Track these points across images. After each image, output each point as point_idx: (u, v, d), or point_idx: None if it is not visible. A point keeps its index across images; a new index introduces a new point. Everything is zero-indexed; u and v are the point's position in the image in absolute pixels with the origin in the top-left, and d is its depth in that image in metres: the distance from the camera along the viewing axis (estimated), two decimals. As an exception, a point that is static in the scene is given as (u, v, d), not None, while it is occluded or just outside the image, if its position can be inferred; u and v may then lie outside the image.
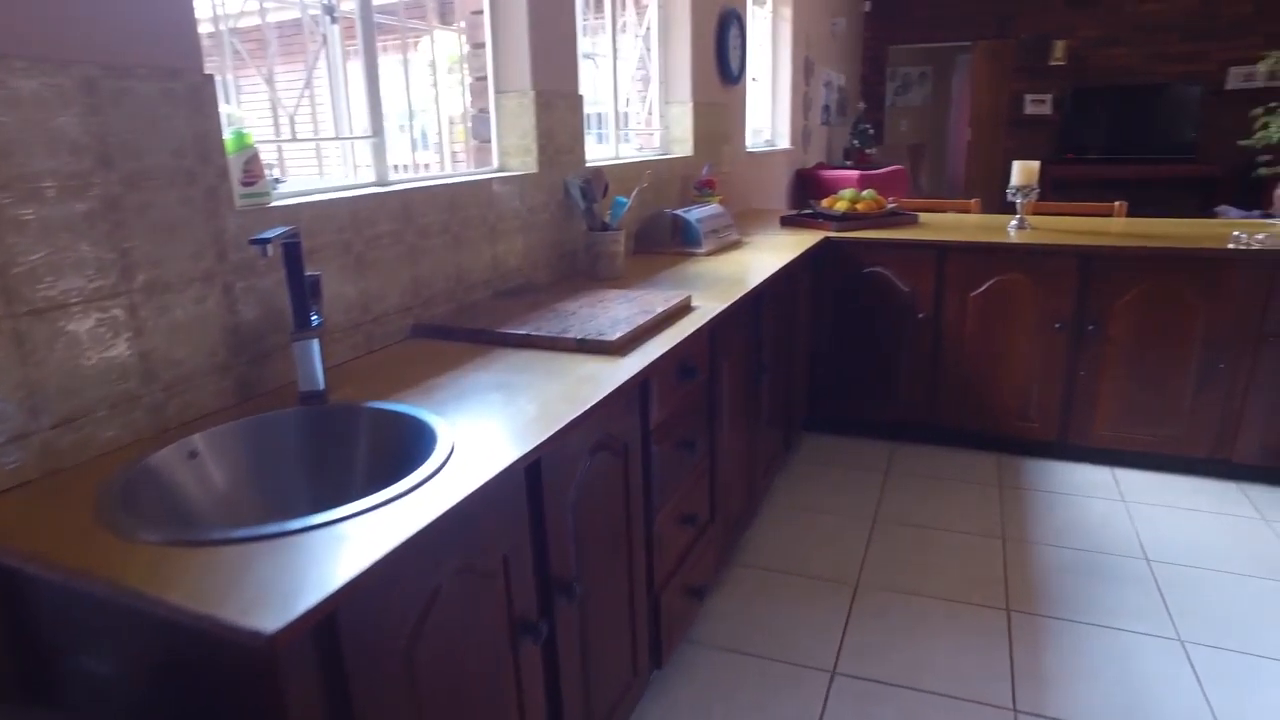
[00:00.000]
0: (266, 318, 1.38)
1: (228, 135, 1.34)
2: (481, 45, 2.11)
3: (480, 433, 1.17)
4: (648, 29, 3.27)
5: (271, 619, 0.73)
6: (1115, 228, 3.20)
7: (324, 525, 0.90)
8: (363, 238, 1.58)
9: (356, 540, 0.87)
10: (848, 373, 3.25)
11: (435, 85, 2.05)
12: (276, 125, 1.68)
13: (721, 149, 3.78)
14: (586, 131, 2.54)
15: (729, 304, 1.99)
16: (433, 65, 2.02)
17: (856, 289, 3.15)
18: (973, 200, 3.89)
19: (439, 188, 1.80)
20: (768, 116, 5.08)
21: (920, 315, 3.08)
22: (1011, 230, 3.16)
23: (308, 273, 1.28)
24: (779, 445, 2.86)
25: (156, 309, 1.19)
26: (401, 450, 1.17)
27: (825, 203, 3.55)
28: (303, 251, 1.26)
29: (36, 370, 1.04)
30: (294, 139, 1.60)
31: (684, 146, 3.45)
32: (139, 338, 1.17)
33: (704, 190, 3.33)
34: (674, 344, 1.64)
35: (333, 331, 1.52)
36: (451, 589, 1.01)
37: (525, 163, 2.19)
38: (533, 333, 1.64)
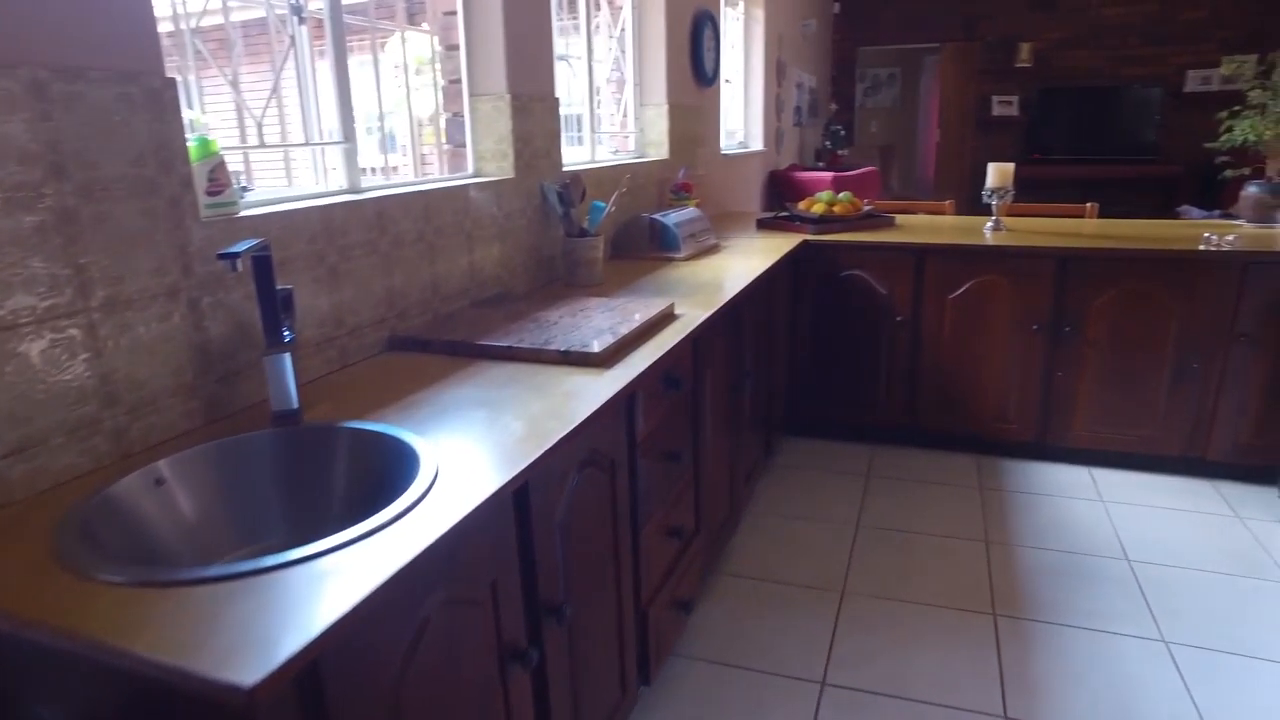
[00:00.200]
0: (236, 334, 1.31)
1: (191, 142, 1.27)
2: (455, 47, 2.05)
3: (465, 454, 1.12)
4: (622, 30, 3.23)
5: (250, 670, 0.67)
6: (1088, 229, 3.23)
7: (303, 561, 0.84)
8: (335, 248, 1.51)
9: (338, 577, 0.81)
10: (827, 376, 3.23)
11: (407, 88, 1.98)
12: (242, 131, 1.61)
13: (697, 152, 3.75)
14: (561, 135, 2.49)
15: (712, 312, 1.95)
16: (404, 67, 1.96)
17: (835, 292, 3.13)
18: (947, 202, 3.90)
19: (414, 194, 1.74)
20: (740, 118, 5.06)
21: (899, 318, 3.07)
22: (987, 232, 3.17)
23: (279, 286, 1.22)
24: (760, 451, 2.83)
25: (117, 327, 1.12)
26: (382, 473, 1.12)
27: (802, 205, 3.53)
28: (273, 264, 1.20)
29: (-15, 396, 0.97)
30: (262, 145, 1.53)
31: (659, 149, 3.41)
32: (98, 358, 1.10)
33: (681, 194, 3.29)
34: (659, 355, 1.59)
35: (305, 346, 1.45)
36: (439, 622, 0.96)
37: (501, 168, 2.13)
38: (515, 345, 1.59)
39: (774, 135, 5.46)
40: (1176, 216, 5.63)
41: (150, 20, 1.16)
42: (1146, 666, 1.93)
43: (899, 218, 3.64)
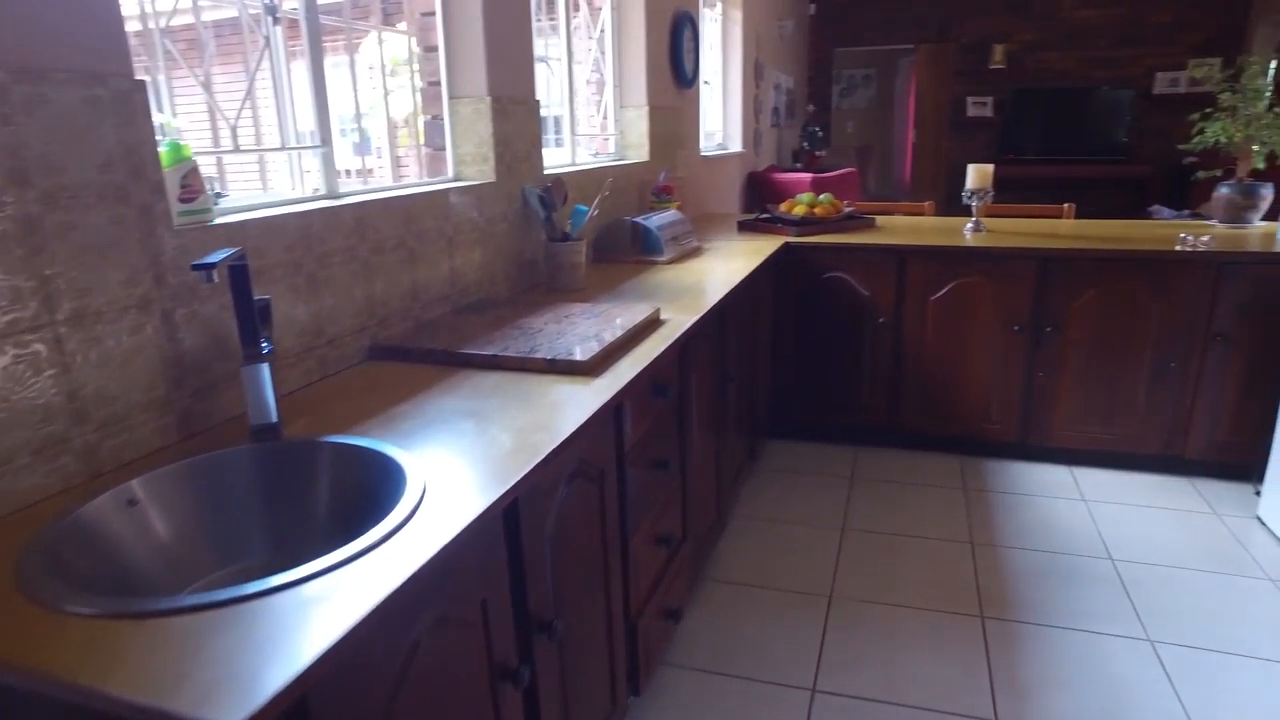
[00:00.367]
0: (211, 346, 1.27)
1: (162, 146, 1.22)
2: (433, 49, 2.01)
3: (453, 469, 1.08)
4: (601, 31, 3.20)
5: (233, 709, 0.64)
6: (1065, 229, 3.26)
7: (287, 587, 0.80)
8: (314, 255, 1.47)
9: (325, 604, 0.78)
10: (810, 378, 3.23)
11: (384, 90, 1.94)
12: (215, 134, 1.56)
13: (677, 153, 3.73)
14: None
15: (698, 317, 1.93)
16: (381, 68, 1.91)
17: (817, 294, 3.13)
18: (926, 203, 3.92)
19: (394, 199, 1.70)
20: (719, 119, 5.06)
21: (881, 320, 3.07)
22: (967, 233, 3.18)
23: (256, 296, 1.18)
24: (744, 455, 2.81)
25: (85, 341, 1.07)
26: (367, 490, 1.08)
27: (783, 207, 3.53)
28: (250, 274, 1.15)
29: (-55, 417, 0.92)
30: (236, 149, 1.48)
31: (640, 152, 3.38)
32: (65, 374, 1.05)
33: (662, 196, 3.27)
34: (647, 363, 1.57)
35: (284, 357, 1.40)
36: (429, 645, 0.92)
37: (482, 171, 2.10)
38: (500, 353, 1.55)
39: (752, 136, 5.46)
40: (1148, 216, 5.71)
41: (117, 19, 1.11)
42: (1133, 666, 1.94)
43: (879, 219, 3.64)
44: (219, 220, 1.30)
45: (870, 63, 8.76)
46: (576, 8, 2.97)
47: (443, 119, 2.07)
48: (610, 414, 1.48)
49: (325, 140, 1.62)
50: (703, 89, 4.34)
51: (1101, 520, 2.64)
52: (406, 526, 0.92)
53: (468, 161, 2.09)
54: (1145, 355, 2.83)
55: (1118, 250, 2.78)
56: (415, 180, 2.05)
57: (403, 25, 2.12)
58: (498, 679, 1.10)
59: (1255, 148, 3.12)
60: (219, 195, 1.40)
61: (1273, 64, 5.73)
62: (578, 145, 3.02)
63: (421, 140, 2.12)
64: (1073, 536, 2.54)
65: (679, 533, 2.02)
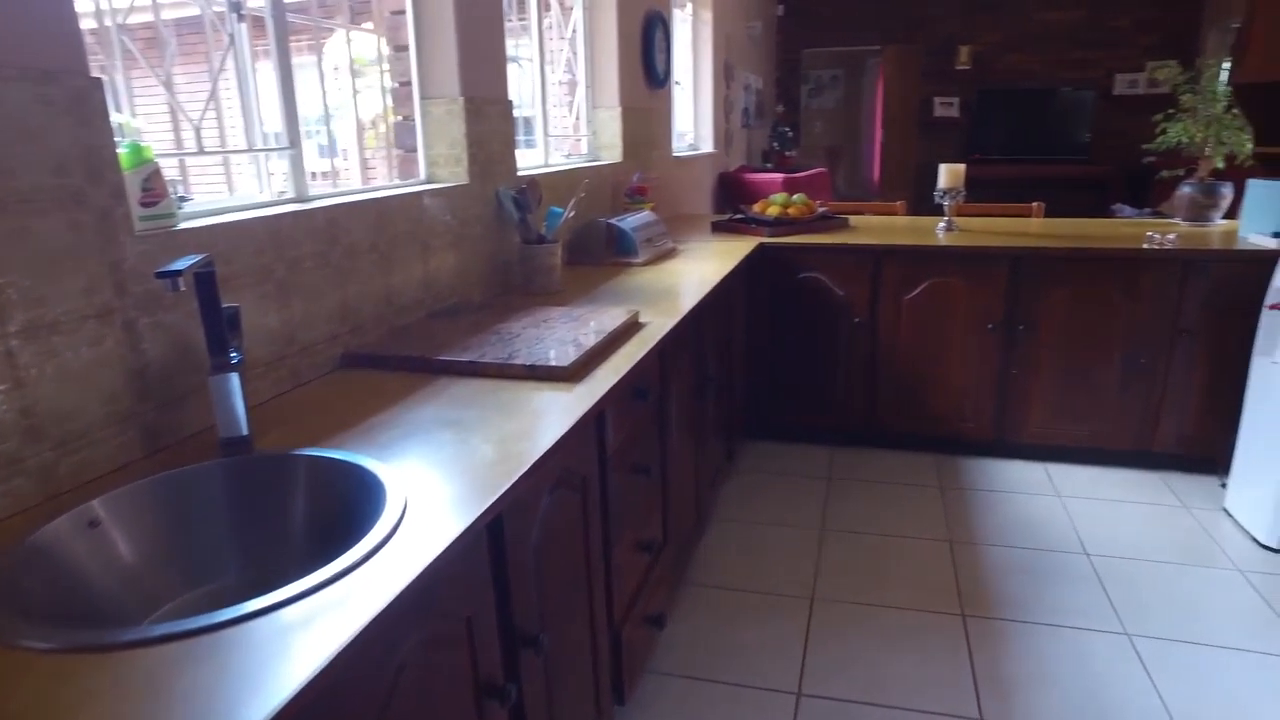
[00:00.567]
0: (177, 356, 1.21)
1: (122, 148, 1.17)
2: (404, 48, 1.96)
3: (434, 482, 1.04)
4: (573, 31, 3.17)
5: (209, 749, 0.60)
6: (1035, 228, 3.29)
7: (263, 613, 0.76)
8: (284, 261, 1.42)
9: (305, 631, 0.74)
10: (786, 379, 3.22)
11: (353, 90, 1.89)
12: (177, 136, 1.50)
13: (651, 154, 3.71)
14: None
15: (678, 320, 1.91)
16: (350, 69, 1.86)
17: (792, 295, 3.13)
18: (898, 202, 3.94)
19: (366, 202, 1.65)
20: (690, 120, 5.04)
21: (856, 319, 3.08)
22: (940, 232, 3.20)
23: (225, 304, 1.13)
24: (722, 457, 2.80)
25: (40, 354, 1.02)
26: (345, 505, 1.04)
27: (757, 207, 3.52)
28: (217, 281, 1.11)
29: (-111, 438, 0.86)
30: (201, 151, 1.42)
31: (613, 152, 3.36)
32: (19, 390, 0.99)
33: (635, 197, 3.25)
34: (629, 368, 1.54)
35: (254, 367, 1.35)
36: (414, 667, 0.89)
37: (455, 173, 2.05)
38: (478, 359, 1.51)
39: (723, 137, 5.46)
40: (1111, 215, 5.82)
41: (70, 15, 1.05)
42: (1112, 661, 1.96)
43: (852, 219, 3.66)
44: (183, 225, 1.24)
45: (838, 63, 8.82)
46: (547, 7, 2.93)
47: (414, 120, 2.02)
48: (592, 421, 1.45)
49: (294, 142, 1.56)
50: (674, 90, 4.32)
51: (1076, 516, 2.66)
52: (388, 544, 0.89)
53: (440, 163, 2.05)
54: (1115, 352, 2.87)
55: (1088, 249, 2.82)
56: (385, 183, 2.00)
57: (368, 25, 2.07)
58: (484, 698, 1.06)
59: (1207, 150, 3.18)
60: (183, 199, 1.35)
61: (1225, 65, 5.88)
62: (550, 147, 2.98)
63: (389, 141, 2.07)
64: (1049, 533, 2.56)
65: (660, 538, 1.99)
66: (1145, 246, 2.78)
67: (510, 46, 2.56)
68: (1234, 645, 2.01)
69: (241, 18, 1.48)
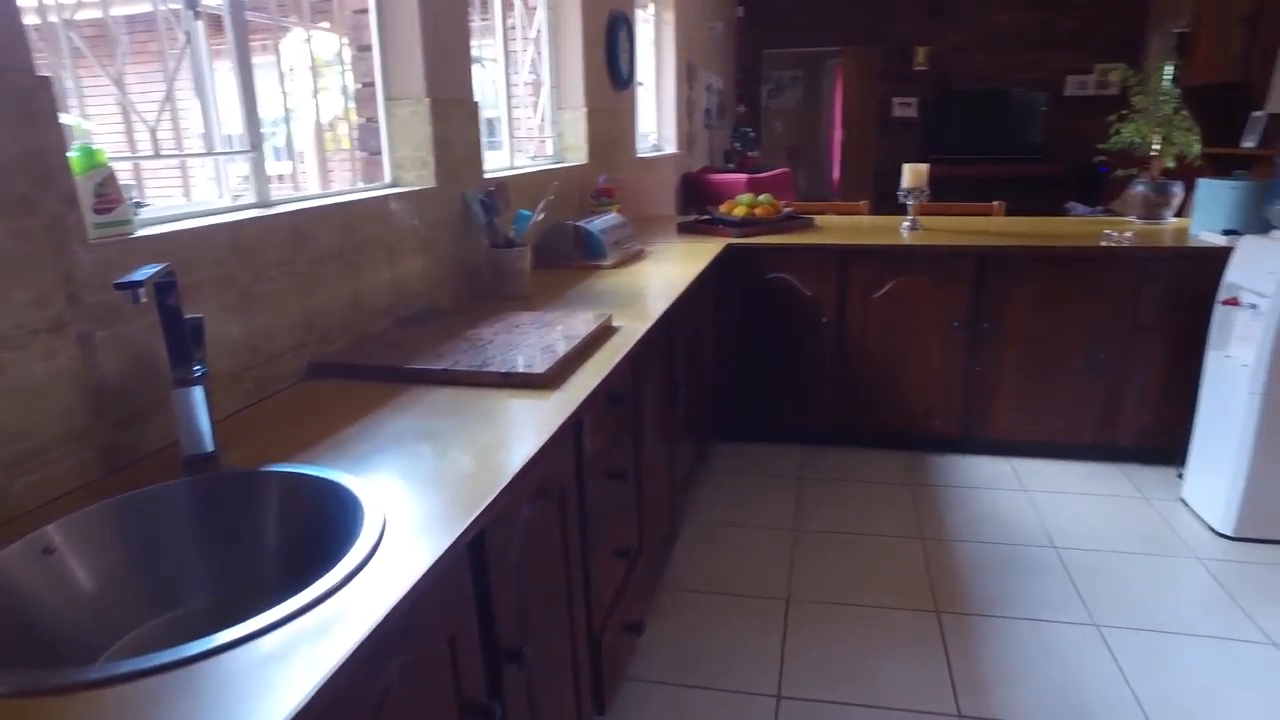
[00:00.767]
0: (136, 370, 1.16)
1: (73, 152, 1.11)
2: (367, 48, 1.91)
3: (413, 497, 1.01)
4: (538, 31, 3.13)
5: (188, 795, 0.56)
6: (996, 227, 3.35)
7: (237, 644, 0.72)
8: (248, 269, 1.36)
9: (284, 662, 0.70)
10: (755, 379, 3.23)
11: (315, 90, 1.83)
12: (131, 138, 1.43)
13: (616, 156, 3.68)
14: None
15: (652, 324, 1.89)
16: (312, 69, 1.81)
17: (761, 295, 3.13)
18: (862, 202, 3.98)
19: (331, 207, 1.60)
20: (654, 120, 5.03)
21: (825, 319, 3.10)
22: (905, 231, 3.24)
23: (188, 315, 1.08)
24: (694, 459, 2.79)
25: (-11, 371, 0.96)
26: (321, 524, 1.00)
27: (723, 208, 3.52)
28: (179, 291, 1.06)
29: None
30: (157, 155, 1.36)
31: (578, 154, 3.33)
32: (-33, 409, 0.93)
33: (602, 199, 3.22)
34: (605, 374, 1.52)
35: (218, 379, 1.30)
36: (396, 692, 0.85)
37: (421, 176, 2.01)
38: (451, 367, 1.48)
39: (686, 137, 5.46)
40: (1065, 213, 5.96)
41: (12, 8, 0.99)
42: (1083, 653, 1.99)
43: (817, 219, 3.68)
44: (141, 232, 1.19)
45: (797, 64, 8.90)
46: (511, 7, 2.89)
47: (378, 122, 1.97)
48: (570, 428, 1.42)
49: (255, 146, 1.51)
50: (637, 90, 4.30)
51: (1043, 510, 2.71)
52: (368, 566, 0.85)
53: (406, 166, 2.00)
54: (1077, 348, 2.93)
55: (1050, 248, 2.87)
56: (347, 186, 1.94)
57: (325, 24, 2.01)
58: (469, 718, 1.03)
59: (1154, 149, 3.27)
60: (139, 205, 1.29)
61: (1168, 68, 6.07)
62: (515, 148, 2.94)
63: (349, 144, 2.01)
64: (1017, 527, 2.60)
65: (636, 544, 1.97)
66: (1104, 244, 2.84)
67: (474, 47, 2.51)
68: (1195, 632, 2.06)
69: (198, 15, 1.42)
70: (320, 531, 0.98)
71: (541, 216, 2.32)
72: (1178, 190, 3.31)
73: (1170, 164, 3.32)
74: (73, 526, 0.96)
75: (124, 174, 1.31)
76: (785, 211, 3.48)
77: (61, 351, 1.05)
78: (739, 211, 3.42)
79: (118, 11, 1.43)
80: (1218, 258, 2.60)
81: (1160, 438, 2.93)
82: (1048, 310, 2.91)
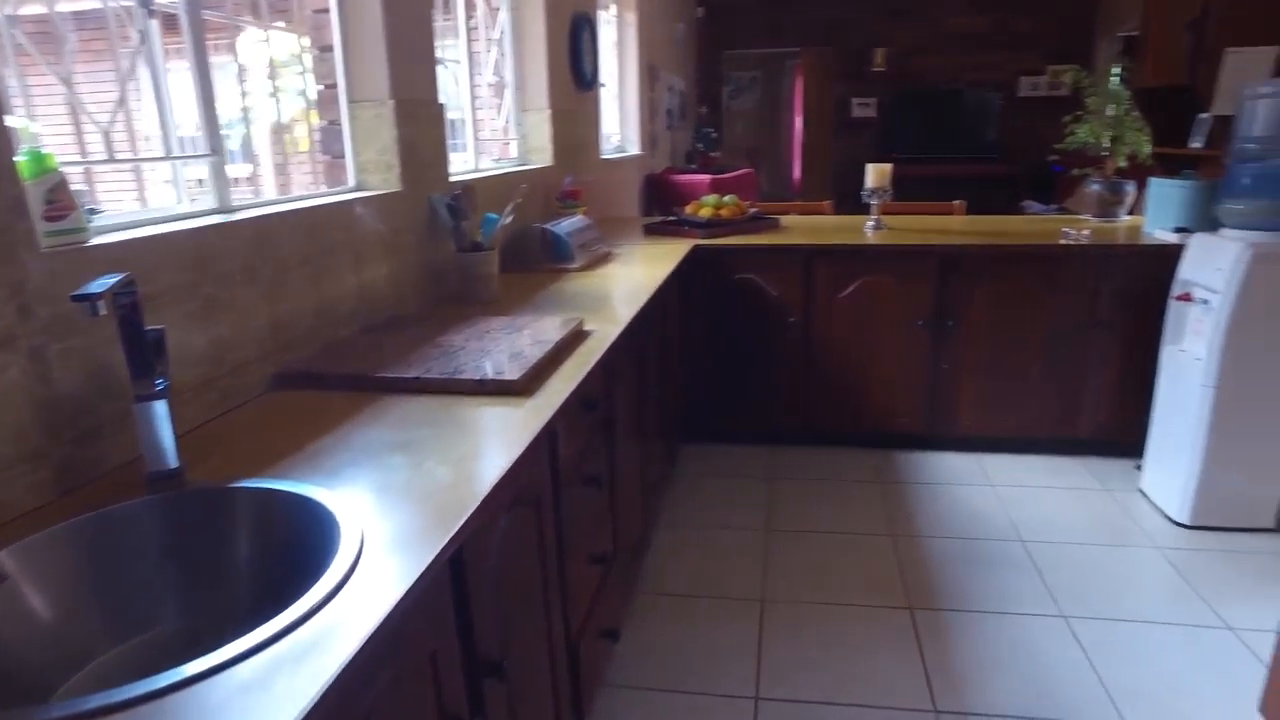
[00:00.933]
0: (94, 384, 1.11)
1: (21, 157, 1.06)
2: (329, 48, 1.87)
3: (391, 511, 0.98)
4: (501, 33, 3.09)
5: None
6: (958, 225, 3.40)
7: (213, 673, 0.69)
8: (210, 277, 1.32)
9: (263, 693, 0.67)
10: (723, 380, 3.23)
11: (275, 92, 1.79)
12: (81, 142, 1.38)
13: (581, 157, 3.66)
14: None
15: (624, 327, 1.88)
16: (270, 69, 1.76)
17: (728, 296, 3.14)
18: (825, 202, 4.01)
19: (295, 212, 1.56)
20: (617, 122, 5.02)
21: (791, 319, 3.11)
22: (869, 231, 3.27)
23: (148, 327, 1.03)
24: (664, 462, 2.78)
25: (-64, 390, 0.91)
26: (296, 541, 0.96)
27: (689, 209, 3.52)
28: (140, 301, 1.01)
29: None
30: (112, 160, 1.31)
31: (543, 156, 3.30)
32: (-88, 430, 0.88)
33: (568, 201, 3.20)
34: (580, 379, 1.50)
35: (181, 391, 1.25)
36: (378, 713, 0.83)
37: (387, 180, 1.96)
38: (423, 375, 1.45)
39: (649, 139, 5.46)
40: (1021, 211, 6.10)
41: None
42: (1052, 644, 2.03)
43: (781, 219, 3.70)
44: (96, 240, 1.14)
45: (757, 65, 8.96)
46: (473, 8, 2.85)
47: (340, 125, 1.93)
48: (546, 435, 1.40)
49: (215, 149, 1.46)
50: (600, 92, 4.29)
51: (1009, 504, 2.76)
52: (347, 585, 0.82)
53: (371, 169, 1.96)
54: (1038, 344, 2.99)
55: (1011, 245, 2.93)
56: (307, 191, 1.90)
57: (280, 23, 1.96)
58: (450, 735, 1.01)
59: (1104, 148, 3.36)
60: (93, 211, 1.24)
61: (1115, 71, 6.24)
62: (480, 150, 2.90)
63: (307, 146, 1.97)
64: (985, 522, 2.64)
65: (610, 549, 1.96)
66: (1063, 243, 2.90)
67: (436, 48, 2.47)
68: (1157, 619, 2.11)
69: (152, 13, 1.37)
70: (295, 549, 0.95)
71: (510, 219, 2.29)
72: (1130, 189, 3.40)
73: (1123, 163, 3.41)
74: (27, 552, 0.91)
75: (76, 179, 1.26)
76: (751, 212, 3.49)
77: (12, 366, 1.00)
78: (704, 213, 3.42)
79: (64, 7, 1.37)
80: (1171, 255, 2.68)
81: (1119, 431, 3.00)
82: (1010, 307, 2.97)
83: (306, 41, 1.92)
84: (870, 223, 3.36)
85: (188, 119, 1.51)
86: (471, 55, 2.81)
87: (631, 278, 2.47)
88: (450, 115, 2.73)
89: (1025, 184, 7.23)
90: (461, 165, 2.77)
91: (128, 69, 1.34)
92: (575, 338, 1.78)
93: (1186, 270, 2.58)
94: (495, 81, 3.13)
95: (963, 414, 3.10)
